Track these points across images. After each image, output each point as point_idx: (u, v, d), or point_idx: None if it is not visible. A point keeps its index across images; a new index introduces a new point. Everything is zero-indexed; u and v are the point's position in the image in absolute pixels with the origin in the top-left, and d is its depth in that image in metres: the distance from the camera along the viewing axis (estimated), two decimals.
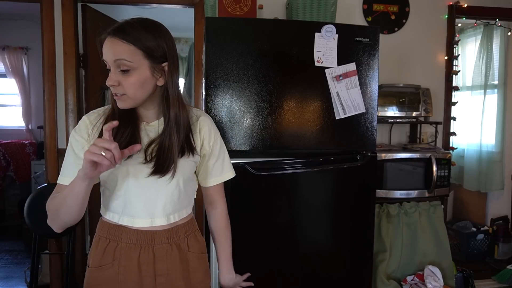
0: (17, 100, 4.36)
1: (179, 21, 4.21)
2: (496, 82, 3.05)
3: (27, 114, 4.38)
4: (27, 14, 4.04)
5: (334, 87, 1.78)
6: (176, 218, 1.05)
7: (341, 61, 1.77)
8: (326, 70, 1.76)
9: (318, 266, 1.86)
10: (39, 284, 2.30)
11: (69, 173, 0.98)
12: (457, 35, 2.77)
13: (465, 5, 2.70)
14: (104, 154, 0.80)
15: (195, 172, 1.12)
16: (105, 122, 0.99)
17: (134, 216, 1.01)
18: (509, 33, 2.97)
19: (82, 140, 1.00)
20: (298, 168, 1.79)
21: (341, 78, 1.78)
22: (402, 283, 2.27)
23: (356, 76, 1.79)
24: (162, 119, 1.02)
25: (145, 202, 1.01)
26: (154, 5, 2.50)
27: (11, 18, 4.17)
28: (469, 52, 3.25)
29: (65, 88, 2.28)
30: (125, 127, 0.99)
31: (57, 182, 1.01)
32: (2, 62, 4.27)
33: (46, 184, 2.28)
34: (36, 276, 2.18)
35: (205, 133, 1.08)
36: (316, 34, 1.74)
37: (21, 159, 4.02)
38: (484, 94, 3.03)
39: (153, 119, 1.04)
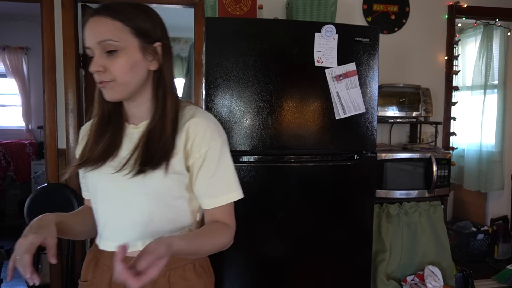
0: (17, 100, 4.37)
1: (179, 21, 4.22)
2: (496, 82, 3.05)
3: (27, 114, 4.38)
4: (27, 14, 4.04)
5: (334, 87, 1.78)
6: None
7: (341, 61, 1.77)
8: (326, 70, 1.76)
9: (318, 266, 1.86)
10: (39, 284, 2.29)
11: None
12: (457, 35, 2.77)
13: (465, 5, 2.70)
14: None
15: (189, 189, 0.90)
16: (91, 128, 0.90)
17: (101, 236, 0.91)
18: (509, 33, 2.97)
19: (77, 152, 0.96)
20: (297, 168, 1.79)
21: (341, 78, 1.78)
22: (402, 283, 2.26)
23: (356, 76, 1.79)
24: None
25: (112, 223, 0.88)
26: (154, 5, 2.50)
27: (12, 18, 4.17)
28: (469, 52, 3.25)
29: (65, 88, 2.28)
30: (106, 132, 0.88)
31: None
32: (2, 62, 4.28)
33: (46, 184, 2.28)
34: None
35: (196, 137, 0.85)
36: (316, 34, 1.74)
37: (21, 159, 4.02)
38: (484, 94, 3.03)
39: (143, 118, 0.88)
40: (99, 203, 0.90)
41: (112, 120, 0.89)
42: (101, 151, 0.86)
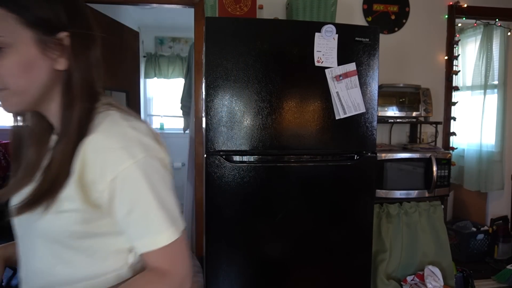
0: None
1: (179, 21, 4.23)
2: (496, 82, 3.05)
3: None
4: None
5: (334, 87, 1.78)
6: None
7: (341, 61, 1.77)
8: (326, 70, 1.76)
9: (318, 266, 1.86)
10: None
11: None
12: (457, 35, 2.77)
13: (465, 5, 2.70)
14: None
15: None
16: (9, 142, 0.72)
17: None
18: (509, 33, 2.97)
19: None
20: (297, 168, 1.79)
21: (341, 78, 1.78)
22: (402, 283, 2.27)
23: (356, 76, 1.79)
24: None
25: (21, 267, 0.70)
26: (154, 5, 2.50)
27: None
28: (469, 52, 3.26)
29: None
30: (26, 146, 0.70)
31: None
32: None
33: None
34: None
35: (95, 162, 0.61)
36: (316, 34, 1.74)
37: None
38: (484, 94, 3.03)
39: None
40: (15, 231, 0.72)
41: (30, 135, 0.71)
42: (19, 172, 0.69)
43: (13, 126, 0.71)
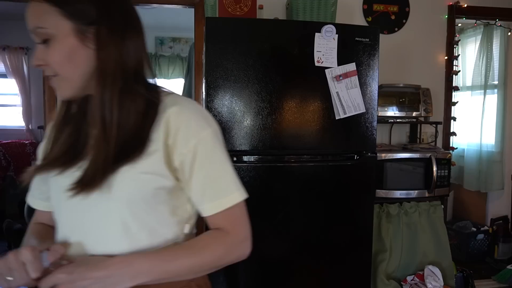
0: (17, 100, 4.37)
1: (179, 21, 4.22)
2: (496, 82, 3.05)
3: (27, 114, 4.38)
4: None
5: (334, 87, 1.78)
6: None
7: (341, 61, 1.77)
8: (326, 70, 1.76)
9: (318, 266, 1.86)
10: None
11: (31, 190, 0.86)
12: (457, 35, 2.77)
13: (465, 5, 2.70)
14: (9, 278, 0.63)
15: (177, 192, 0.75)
16: (52, 128, 0.79)
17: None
18: (509, 33, 2.97)
19: (39, 153, 0.83)
20: (297, 167, 1.79)
21: (341, 78, 1.78)
22: (402, 283, 2.27)
23: (356, 76, 1.79)
24: None
25: (80, 237, 0.73)
26: (154, 5, 2.50)
27: (12, 18, 4.16)
28: (469, 52, 3.25)
29: None
30: (68, 130, 0.76)
31: None
32: (3, 62, 4.28)
33: None
34: None
35: (180, 128, 0.70)
36: (316, 34, 1.74)
37: (21, 159, 4.02)
38: (484, 94, 3.03)
39: None
40: (58, 213, 0.77)
41: (74, 115, 0.77)
42: (63, 152, 0.74)
43: (60, 112, 0.78)
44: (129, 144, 0.68)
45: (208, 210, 0.73)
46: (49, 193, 0.79)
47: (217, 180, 0.72)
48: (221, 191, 0.72)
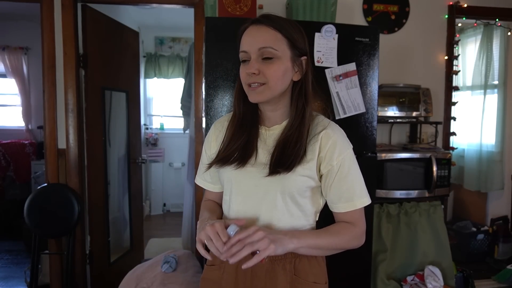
0: (17, 100, 4.37)
1: (179, 21, 4.22)
2: (496, 82, 3.05)
3: (27, 114, 4.38)
4: (27, 14, 4.04)
5: (334, 87, 1.78)
6: None
7: (341, 61, 1.77)
8: (326, 70, 1.76)
9: None
10: (39, 284, 2.30)
11: (200, 174, 1.12)
12: (457, 35, 2.76)
13: (465, 5, 2.70)
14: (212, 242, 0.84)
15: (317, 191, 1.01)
16: (228, 126, 1.01)
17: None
18: (509, 33, 2.97)
19: (209, 145, 1.07)
20: None
21: (341, 78, 1.78)
22: (402, 283, 2.27)
23: (356, 76, 1.79)
24: (285, 122, 0.97)
25: (245, 213, 0.97)
26: (154, 5, 2.50)
27: (11, 18, 4.17)
28: (469, 52, 3.25)
29: (65, 88, 2.28)
30: (242, 132, 0.98)
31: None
32: (2, 62, 4.28)
33: (46, 184, 2.28)
34: (36, 276, 2.18)
35: (330, 147, 0.94)
36: (316, 34, 1.74)
37: (21, 159, 4.02)
38: (484, 94, 3.03)
39: (276, 122, 0.99)
40: (235, 195, 0.99)
41: (246, 121, 0.99)
42: (238, 150, 0.96)
43: (235, 115, 1.01)
44: (297, 152, 0.92)
45: (342, 208, 0.97)
46: (221, 179, 1.03)
47: (353, 186, 0.96)
48: (355, 195, 0.96)
